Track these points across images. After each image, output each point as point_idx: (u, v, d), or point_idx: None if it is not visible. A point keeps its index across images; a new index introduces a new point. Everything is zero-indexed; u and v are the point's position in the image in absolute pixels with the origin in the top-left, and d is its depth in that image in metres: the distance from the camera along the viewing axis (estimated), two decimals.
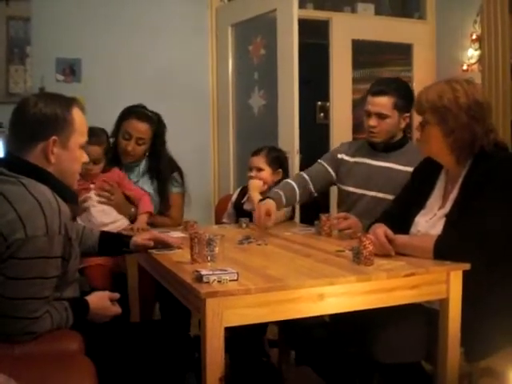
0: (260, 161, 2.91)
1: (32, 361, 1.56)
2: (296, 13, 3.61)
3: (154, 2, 4.23)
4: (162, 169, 2.99)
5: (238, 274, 1.60)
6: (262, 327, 2.67)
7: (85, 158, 1.85)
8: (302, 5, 4.01)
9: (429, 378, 1.89)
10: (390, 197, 2.41)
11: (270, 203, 2.47)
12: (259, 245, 2.19)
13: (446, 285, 1.76)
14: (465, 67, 4.13)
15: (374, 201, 2.56)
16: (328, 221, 2.40)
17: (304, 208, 3.56)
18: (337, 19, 4.41)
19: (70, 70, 4.04)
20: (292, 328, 2.36)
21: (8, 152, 1.78)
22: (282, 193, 2.57)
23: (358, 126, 4.31)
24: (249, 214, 2.66)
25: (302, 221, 3.28)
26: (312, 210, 2.99)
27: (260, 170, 2.90)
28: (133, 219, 2.77)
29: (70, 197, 1.78)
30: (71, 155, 1.77)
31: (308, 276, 1.69)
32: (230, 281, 1.58)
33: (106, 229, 2.50)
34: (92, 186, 2.70)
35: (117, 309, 1.91)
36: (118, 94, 3.89)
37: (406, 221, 2.08)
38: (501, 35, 3.64)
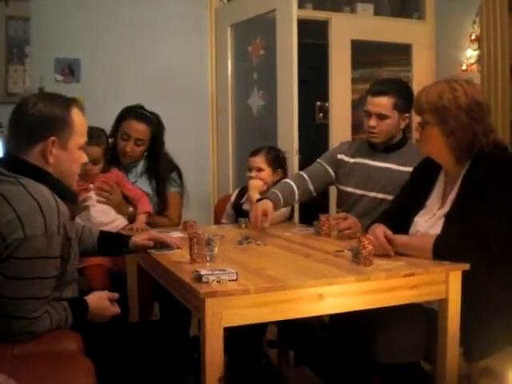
0: (260, 161, 2.91)
1: (31, 360, 1.56)
2: (295, 13, 3.61)
3: (153, 3, 4.22)
4: (161, 169, 2.99)
5: (237, 274, 1.60)
6: (261, 327, 2.67)
7: (84, 158, 1.85)
8: (301, 5, 4.01)
9: (428, 378, 1.89)
10: (391, 197, 2.40)
11: (267, 203, 2.46)
12: (258, 245, 2.19)
13: (446, 285, 1.76)
14: (464, 67, 4.12)
15: (375, 201, 2.56)
16: (327, 221, 2.40)
17: (303, 208, 3.57)
18: (336, 19, 4.41)
19: (69, 70, 4.04)
20: (291, 328, 2.36)
21: (7, 152, 1.78)
22: (279, 193, 2.56)
23: (357, 127, 4.31)
24: (248, 215, 2.66)
25: (302, 221, 3.28)
26: (311, 210, 2.98)
27: (260, 170, 2.90)
28: (131, 219, 2.77)
29: (69, 197, 1.78)
30: (70, 156, 1.77)
31: (307, 276, 1.69)
32: (230, 281, 1.58)
33: (105, 228, 2.50)
34: (91, 185, 2.70)
35: (116, 309, 1.91)
36: (118, 94, 3.88)
37: (406, 221, 2.08)
38: (500, 35, 3.64)
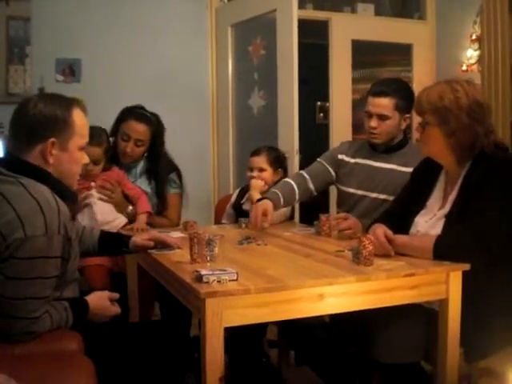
0: (262, 161, 2.91)
1: (32, 360, 1.56)
2: (296, 13, 3.61)
3: (153, 3, 4.23)
4: (160, 170, 2.99)
5: (237, 274, 1.60)
6: (261, 327, 2.67)
7: (85, 159, 1.84)
8: (301, 5, 4.01)
9: (428, 378, 1.90)
10: (392, 198, 2.40)
11: (267, 203, 2.45)
12: (259, 245, 2.19)
13: (446, 285, 1.76)
14: (464, 67, 4.12)
15: (376, 202, 2.55)
16: (327, 221, 2.40)
17: (303, 208, 3.57)
18: (336, 19, 4.41)
19: (70, 70, 4.04)
20: (292, 328, 2.36)
21: (7, 152, 1.78)
22: (280, 193, 2.56)
23: (357, 127, 4.31)
24: (248, 215, 2.66)
25: (302, 221, 3.28)
26: (311, 210, 2.98)
27: (262, 170, 2.90)
28: (131, 218, 2.77)
29: (69, 197, 1.78)
30: (70, 157, 1.76)
31: (308, 276, 1.69)
32: (230, 281, 1.58)
33: (108, 226, 2.52)
34: (93, 184, 2.70)
35: (116, 309, 1.91)
36: (118, 95, 3.89)
37: (406, 221, 2.08)
38: (500, 35, 3.64)
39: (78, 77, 4.06)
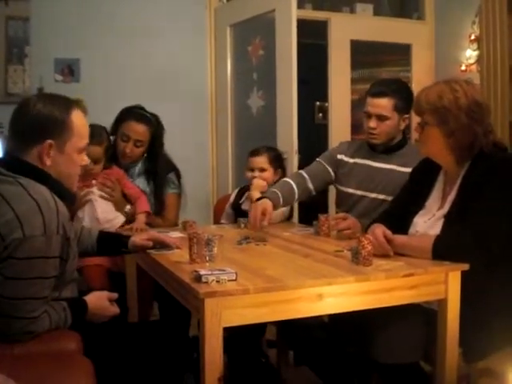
0: (262, 161, 2.91)
1: (31, 360, 1.56)
2: (295, 13, 3.61)
3: (152, 3, 4.22)
4: (159, 171, 2.99)
5: (236, 274, 1.60)
6: (260, 327, 2.67)
7: (85, 161, 1.83)
8: (300, 5, 4.01)
9: (427, 379, 1.89)
10: (391, 198, 2.40)
11: (266, 203, 2.45)
12: (258, 245, 2.19)
13: (445, 285, 1.76)
14: (463, 67, 4.12)
15: (375, 202, 2.55)
16: (326, 221, 2.40)
17: (302, 208, 3.57)
18: (335, 19, 4.41)
19: (69, 70, 4.04)
20: (291, 328, 2.36)
21: (6, 152, 1.78)
22: (279, 192, 2.56)
23: (356, 127, 4.31)
24: (247, 215, 2.65)
25: (301, 221, 3.29)
26: (310, 210, 2.98)
27: (263, 170, 2.90)
28: (129, 217, 2.77)
29: (68, 197, 1.77)
30: (68, 159, 1.75)
31: (307, 276, 1.69)
32: (229, 281, 1.58)
33: (108, 224, 2.53)
34: (94, 181, 2.70)
35: (115, 309, 1.91)
36: (117, 94, 3.88)
37: (405, 221, 2.08)
38: (499, 36, 3.64)
39: (77, 77, 4.06)
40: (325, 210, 3.91)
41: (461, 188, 1.95)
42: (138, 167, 3.01)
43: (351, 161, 2.68)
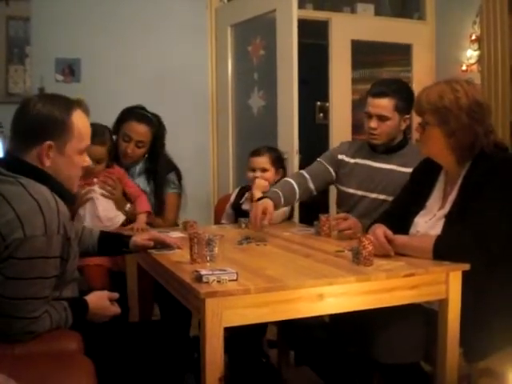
0: (264, 161, 2.91)
1: (31, 360, 1.56)
2: (295, 13, 3.61)
3: (153, 2, 4.22)
4: (160, 170, 2.99)
5: (237, 274, 1.60)
6: (261, 327, 2.67)
7: (86, 162, 1.81)
8: (301, 5, 4.01)
9: (428, 379, 1.89)
10: (392, 199, 2.39)
11: (267, 202, 2.45)
12: (258, 245, 2.19)
13: (446, 285, 1.76)
14: (464, 68, 4.13)
15: (376, 202, 2.55)
16: (327, 221, 2.40)
17: (303, 208, 3.57)
18: (336, 19, 4.41)
19: (70, 70, 4.04)
20: (291, 328, 2.36)
21: (7, 152, 1.78)
22: (280, 192, 2.55)
23: (357, 127, 4.31)
24: (248, 214, 2.65)
25: (302, 221, 3.28)
26: (311, 210, 2.98)
27: (265, 170, 2.90)
28: (129, 216, 2.77)
29: (68, 198, 1.77)
30: (68, 161, 1.73)
31: (307, 276, 1.69)
32: (230, 281, 1.58)
33: (109, 223, 2.54)
34: (95, 180, 2.70)
35: (116, 309, 1.91)
36: (118, 94, 3.88)
37: (406, 221, 2.08)
38: (500, 36, 3.64)
39: (77, 76, 4.06)
40: (325, 210, 3.91)
41: (461, 188, 1.95)
42: (139, 167, 3.01)
43: (352, 161, 2.68)
